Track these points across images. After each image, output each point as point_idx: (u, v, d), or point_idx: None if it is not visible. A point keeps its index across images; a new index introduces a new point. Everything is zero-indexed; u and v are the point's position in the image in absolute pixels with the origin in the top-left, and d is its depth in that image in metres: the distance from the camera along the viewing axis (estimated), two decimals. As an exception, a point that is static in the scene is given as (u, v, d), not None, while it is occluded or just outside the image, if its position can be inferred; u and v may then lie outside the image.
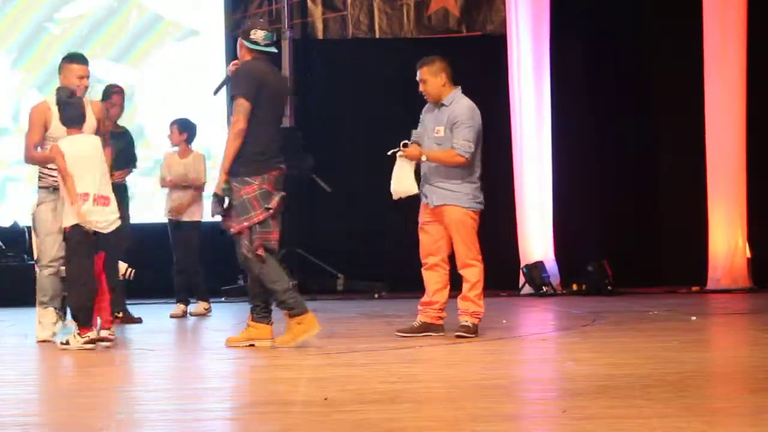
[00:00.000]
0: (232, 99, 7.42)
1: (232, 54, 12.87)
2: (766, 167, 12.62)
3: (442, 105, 7.77)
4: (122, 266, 8.93)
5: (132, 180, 12.84)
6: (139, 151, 12.86)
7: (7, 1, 12.81)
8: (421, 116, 7.91)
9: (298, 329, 7.22)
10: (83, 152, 7.55)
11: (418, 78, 7.80)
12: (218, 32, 12.91)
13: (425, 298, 7.84)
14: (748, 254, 12.48)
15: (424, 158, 7.67)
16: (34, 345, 8.05)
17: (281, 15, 13.08)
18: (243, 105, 7.24)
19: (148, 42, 12.93)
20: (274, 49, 7.54)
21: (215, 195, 7.29)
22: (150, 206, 12.82)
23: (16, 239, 12.29)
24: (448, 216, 7.72)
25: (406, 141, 7.74)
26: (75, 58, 8.20)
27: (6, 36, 12.79)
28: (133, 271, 9.02)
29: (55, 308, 8.18)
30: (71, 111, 7.71)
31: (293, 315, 7.24)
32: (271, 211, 7.18)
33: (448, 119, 7.71)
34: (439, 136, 7.71)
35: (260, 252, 7.18)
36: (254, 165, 7.20)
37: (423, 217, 7.86)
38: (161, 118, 12.90)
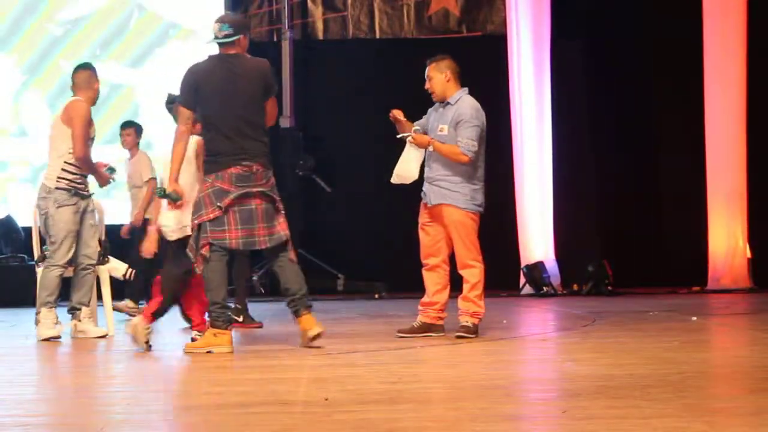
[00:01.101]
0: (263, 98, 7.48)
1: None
2: (766, 167, 12.63)
3: (448, 104, 7.77)
4: (122, 267, 8.94)
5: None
6: (139, 151, 12.92)
7: (8, 1, 12.81)
8: (429, 111, 7.92)
9: (212, 340, 7.17)
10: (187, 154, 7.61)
11: (425, 75, 7.82)
12: (218, 32, 12.91)
13: (425, 299, 7.84)
14: (749, 254, 12.49)
15: (431, 148, 7.67)
16: (34, 345, 8.05)
17: (282, 15, 13.08)
18: (181, 112, 7.36)
19: (148, 42, 12.93)
20: (225, 39, 7.49)
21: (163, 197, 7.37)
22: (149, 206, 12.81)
23: (10, 235, 12.27)
24: (447, 216, 7.72)
25: (418, 127, 7.75)
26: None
27: (7, 36, 12.79)
28: (133, 271, 9.02)
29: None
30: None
31: (214, 326, 7.18)
32: (221, 209, 7.14)
33: (453, 118, 7.72)
34: (443, 134, 7.71)
35: (204, 252, 7.14)
36: (207, 165, 7.25)
37: (423, 217, 7.86)
38: (161, 119, 12.91)
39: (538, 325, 9.42)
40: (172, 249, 7.49)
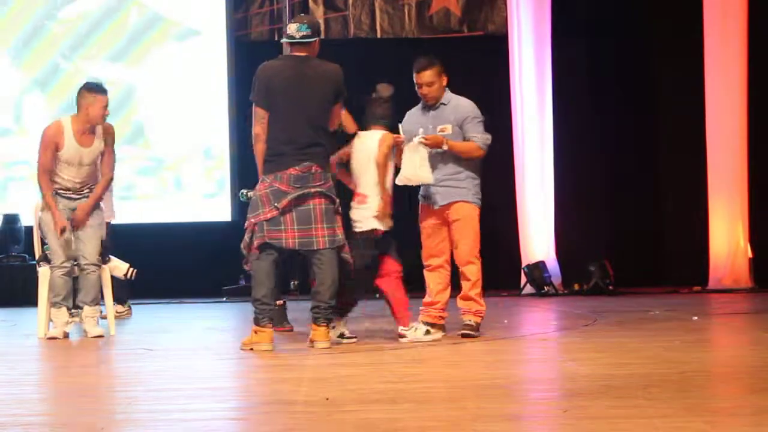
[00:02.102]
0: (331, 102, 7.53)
1: (233, 54, 12.89)
2: (767, 167, 12.63)
3: (441, 104, 7.78)
4: (124, 266, 8.94)
5: (132, 181, 12.88)
6: (140, 150, 12.92)
7: (8, 0, 12.82)
8: (407, 117, 7.89)
9: (253, 337, 7.25)
10: (369, 150, 7.71)
11: (421, 81, 7.79)
12: (219, 32, 12.92)
13: (427, 299, 7.84)
14: (750, 254, 12.48)
15: (445, 147, 7.65)
16: (35, 344, 8.06)
17: (282, 15, 13.07)
18: (255, 111, 7.34)
19: (148, 41, 12.93)
20: (303, 40, 7.49)
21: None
22: (150, 207, 12.84)
23: (15, 233, 12.28)
24: (456, 212, 7.71)
25: (422, 130, 7.74)
26: (100, 89, 8.22)
27: (7, 35, 12.79)
28: (135, 271, 9.03)
29: (68, 307, 8.24)
30: (378, 109, 7.87)
31: (255, 322, 7.26)
32: (278, 209, 7.19)
33: (455, 117, 7.72)
34: (447, 134, 7.71)
35: (254, 250, 7.22)
36: (267, 165, 7.26)
37: (425, 219, 7.85)
38: (161, 118, 12.92)
39: (539, 325, 9.42)
40: (357, 243, 7.62)
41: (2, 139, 12.79)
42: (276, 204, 7.17)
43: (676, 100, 13.08)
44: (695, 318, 9.08)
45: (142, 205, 12.73)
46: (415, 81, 7.83)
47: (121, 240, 10.31)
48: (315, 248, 7.27)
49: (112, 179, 8.47)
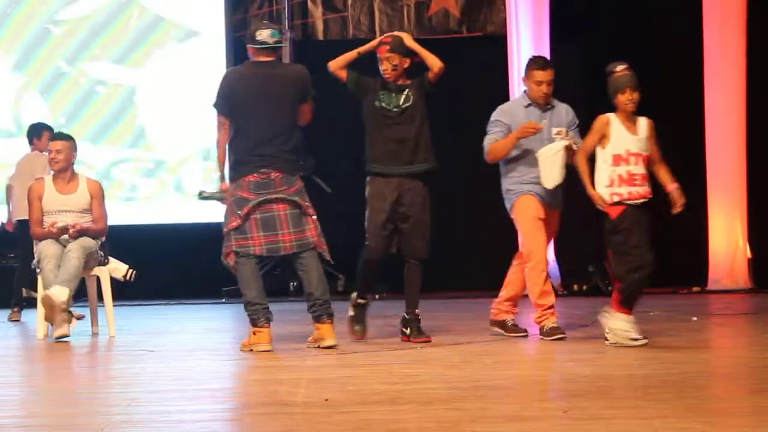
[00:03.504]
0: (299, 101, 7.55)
1: (232, 55, 12.89)
2: (767, 167, 12.63)
3: (552, 107, 7.81)
4: (123, 268, 8.94)
5: (132, 182, 12.89)
6: (140, 152, 12.92)
7: (8, 2, 12.81)
8: (517, 115, 7.73)
9: (252, 338, 7.31)
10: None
11: (546, 79, 7.77)
12: (219, 33, 12.93)
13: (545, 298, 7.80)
14: (749, 255, 12.49)
15: (575, 146, 7.62)
16: (35, 346, 8.06)
17: (282, 16, 13.09)
18: (217, 118, 7.37)
19: (148, 43, 12.93)
20: (276, 45, 7.50)
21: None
22: (149, 208, 12.85)
23: (15, 238, 12.28)
24: (557, 216, 7.98)
25: (561, 129, 7.69)
26: (55, 135, 8.87)
27: (7, 38, 12.79)
28: (134, 272, 9.03)
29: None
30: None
31: (252, 324, 7.33)
32: (241, 217, 7.20)
33: (567, 121, 7.82)
34: (561, 137, 7.71)
35: (229, 260, 7.29)
36: (231, 173, 7.34)
37: (538, 214, 7.81)
38: (161, 120, 12.92)
39: (538, 326, 9.40)
40: None
41: (3, 141, 12.79)
42: (239, 212, 7.20)
43: (674, 100, 13.07)
44: (694, 319, 9.08)
45: (142, 206, 12.73)
46: (535, 79, 7.76)
47: (121, 241, 10.32)
48: (282, 253, 7.36)
49: (104, 230, 8.66)
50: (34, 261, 8.60)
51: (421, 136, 7.56)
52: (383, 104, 7.54)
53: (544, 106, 7.81)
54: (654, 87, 13.23)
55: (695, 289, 12.38)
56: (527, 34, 12.72)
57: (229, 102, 7.30)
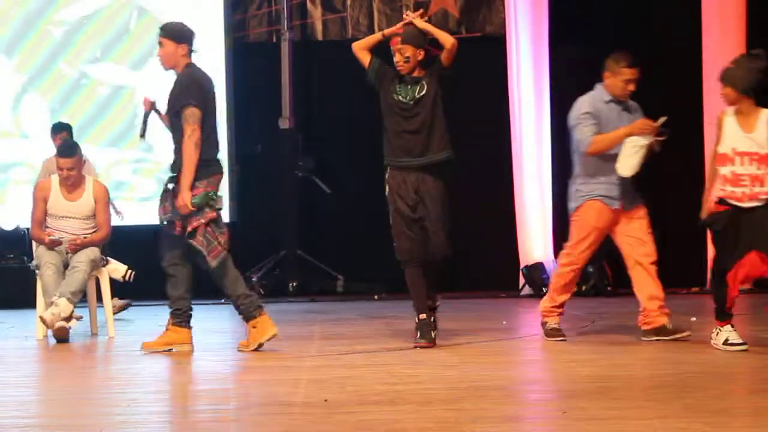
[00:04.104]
0: (175, 111, 7.36)
1: (231, 55, 12.89)
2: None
3: (627, 105, 7.72)
4: (122, 268, 8.93)
5: (132, 181, 12.87)
6: (139, 152, 12.91)
7: (7, 3, 12.81)
8: (600, 110, 7.66)
9: (256, 333, 7.39)
10: None
11: (635, 76, 7.72)
12: (217, 33, 12.91)
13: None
14: (748, 255, 12.47)
15: (657, 147, 7.57)
16: (34, 346, 8.06)
17: (281, 16, 13.08)
18: (196, 114, 7.31)
19: (148, 44, 12.92)
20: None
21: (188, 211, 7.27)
22: (149, 208, 12.82)
23: (17, 243, 12.28)
24: (639, 212, 7.68)
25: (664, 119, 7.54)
26: (59, 152, 8.69)
27: (7, 38, 12.79)
28: (133, 272, 9.02)
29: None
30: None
31: (254, 316, 7.38)
32: (221, 209, 7.30)
33: (639, 118, 7.69)
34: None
35: (221, 256, 7.41)
36: (200, 171, 7.26)
37: (607, 223, 7.68)
38: (160, 120, 12.90)
39: (537, 326, 9.39)
40: None
41: (3, 141, 12.78)
42: (217, 207, 7.31)
43: (673, 101, 13.06)
44: (693, 319, 9.07)
45: (141, 207, 12.71)
46: (623, 76, 7.69)
47: (120, 241, 10.31)
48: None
49: (107, 237, 8.63)
50: (33, 262, 8.60)
51: (435, 126, 7.40)
52: (400, 97, 7.41)
53: (623, 102, 7.67)
54: (653, 87, 13.24)
55: (694, 289, 12.37)
56: (526, 35, 12.71)
57: (201, 100, 7.35)
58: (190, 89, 7.33)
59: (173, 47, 7.43)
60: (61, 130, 10.17)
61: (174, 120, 7.39)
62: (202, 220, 7.24)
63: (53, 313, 8.01)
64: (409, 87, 7.41)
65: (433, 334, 7.36)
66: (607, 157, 7.55)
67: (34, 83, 12.76)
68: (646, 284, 7.64)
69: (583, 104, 7.65)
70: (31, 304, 8.62)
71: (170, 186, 7.36)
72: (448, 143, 7.47)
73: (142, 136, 7.81)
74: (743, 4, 12.46)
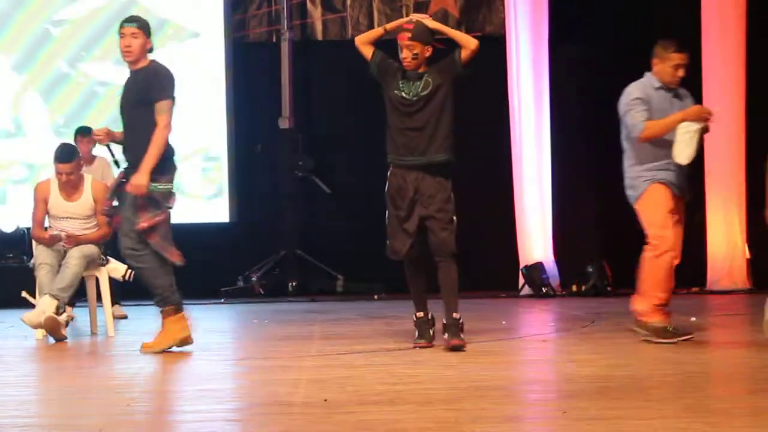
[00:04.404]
0: (146, 102, 7.31)
1: (231, 55, 12.89)
2: (764, 168, 12.61)
3: (678, 91, 7.57)
4: (122, 268, 8.93)
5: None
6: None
7: (6, 2, 12.81)
8: (650, 96, 7.49)
9: (173, 332, 7.36)
10: None
11: (684, 61, 7.51)
12: (217, 33, 12.91)
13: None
14: (748, 255, 12.48)
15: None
16: (33, 346, 8.06)
17: (281, 16, 13.08)
18: (171, 108, 7.32)
19: (147, 43, 12.92)
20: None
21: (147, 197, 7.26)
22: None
23: (17, 242, 12.28)
24: (683, 205, 7.61)
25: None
26: (58, 157, 8.62)
27: (7, 38, 12.78)
28: (133, 272, 9.01)
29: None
30: None
31: (171, 312, 7.34)
32: (171, 209, 7.32)
33: (690, 104, 7.58)
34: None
35: (177, 258, 7.32)
36: (162, 163, 7.28)
37: (670, 206, 7.54)
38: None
39: (537, 326, 9.42)
40: None
41: (2, 142, 12.78)
42: (168, 204, 7.31)
43: (673, 101, 13.07)
44: (693, 319, 9.08)
45: (140, 207, 12.73)
46: (673, 62, 7.48)
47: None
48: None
49: (106, 235, 8.63)
50: (32, 261, 8.61)
51: (439, 126, 7.27)
52: (403, 93, 7.28)
53: (674, 89, 7.53)
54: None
55: (694, 289, 12.36)
56: (526, 35, 12.72)
57: (174, 100, 7.38)
58: (167, 83, 7.35)
59: (144, 40, 7.42)
60: (88, 133, 10.12)
61: (137, 112, 7.33)
62: (157, 219, 7.23)
63: (34, 313, 8.03)
64: (412, 83, 7.30)
65: (431, 332, 7.32)
66: (662, 143, 7.40)
67: (34, 83, 12.76)
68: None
69: (633, 90, 7.50)
70: (30, 303, 8.62)
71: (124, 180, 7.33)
72: (451, 146, 7.35)
73: (117, 164, 7.80)
74: (743, 4, 12.46)
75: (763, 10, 12.61)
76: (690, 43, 12.59)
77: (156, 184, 7.22)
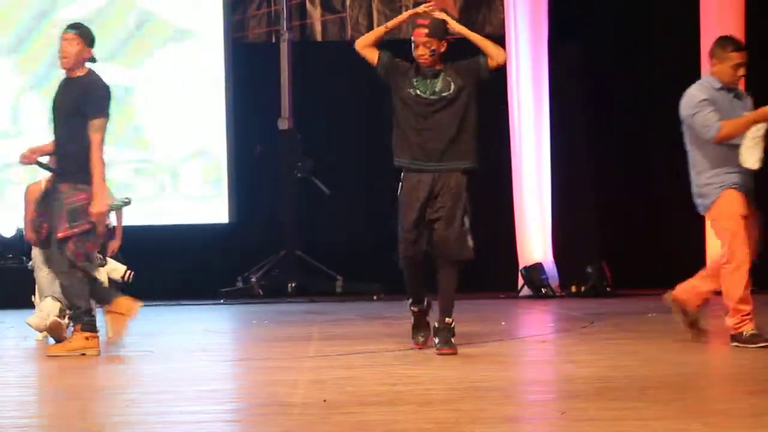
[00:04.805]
0: (82, 113, 7.29)
1: (230, 56, 12.90)
2: (764, 168, 12.60)
3: (736, 90, 7.41)
4: (121, 269, 8.93)
5: (131, 182, 12.87)
6: (137, 152, 12.91)
7: (5, 2, 12.81)
8: (709, 99, 7.35)
9: (86, 343, 7.29)
10: None
11: (744, 60, 7.36)
12: (217, 34, 12.92)
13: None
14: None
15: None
16: (32, 346, 8.06)
17: (280, 17, 13.09)
18: (105, 126, 7.29)
19: (146, 43, 12.93)
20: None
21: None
22: (148, 209, 12.83)
23: (16, 243, 12.30)
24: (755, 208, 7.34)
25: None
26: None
27: (6, 39, 12.79)
28: (132, 273, 9.01)
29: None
30: None
31: (85, 330, 7.27)
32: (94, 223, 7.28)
33: (750, 104, 7.40)
34: None
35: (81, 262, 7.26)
36: (87, 175, 7.23)
37: (744, 209, 7.23)
38: (158, 120, 12.92)
39: (536, 327, 9.42)
40: None
41: (1, 142, 12.78)
42: (90, 218, 7.28)
43: (673, 101, 13.05)
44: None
45: (139, 207, 12.69)
46: (733, 61, 7.33)
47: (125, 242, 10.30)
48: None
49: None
50: (30, 263, 8.61)
51: (463, 130, 6.92)
52: (418, 91, 6.97)
53: (734, 90, 7.38)
54: (652, 86, 13.26)
55: (693, 290, 12.35)
56: (526, 35, 12.72)
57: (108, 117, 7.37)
58: (105, 99, 7.32)
59: (81, 48, 7.40)
60: None
61: (69, 122, 7.30)
62: (76, 230, 7.19)
63: (39, 316, 8.03)
64: (429, 81, 6.99)
65: (424, 334, 7.21)
66: (731, 147, 7.17)
67: (35, 84, 12.76)
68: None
69: (697, 93, 7.31)
70: (30, 304, 8.62)
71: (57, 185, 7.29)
72: (475, 152, 6.98)
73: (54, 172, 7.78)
74: (742, 4, 12.47)
75: (763, 11, 12.61)
76: (689, 43, 12.66)
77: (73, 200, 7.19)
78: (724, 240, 7.22)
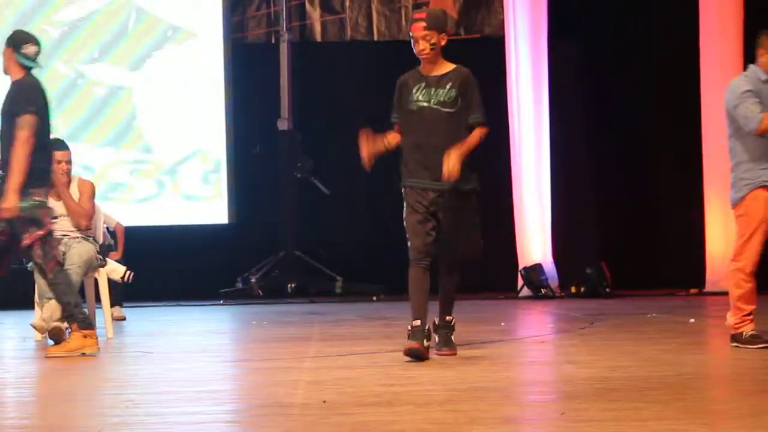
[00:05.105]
0: (11, 115, 7.22)
1: (230, 56, 12.90)
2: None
3: None
4: (121, 269, 8.93)
5: (131, 183, 12.88)
6: (136, 153, 12.92)
7: (5, 3, 12.81)
8: (754, 90, 7.06)
9: (84, 341, 7.28)
10: None
11: None
12: (216, 35, 12.93)
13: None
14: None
15: None
16: (31, 347, 8.05)
17: (280, 17, 13.09)
18: (33, 122, 7.21)
19: (145, 44, 12.93)
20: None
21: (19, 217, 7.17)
22: (147, 209, 12.85)
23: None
24: None
25: None
26: (56, 145, 8.43)
27: (2, 38, 12.78)
28: (132, 273, 9.02)
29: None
30: None
31: (82, 327, 7.26)
32: (56, 218, 7.35)
33: None
34: None
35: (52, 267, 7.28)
36: (40, 179, 7.22)
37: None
38: (158, 121, 12.92)
39: (536, 328, 9.42)
40: None
41: None
42: (52, 218, 7.34)
43: (672, 101, 13.08)
44: (692, 320, 9.07)
45: (138, 208, 12.73)
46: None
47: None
48: None
49: (87, 214, 8.62)
50: (29, 264, 8.59)
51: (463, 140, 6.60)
52: (420, 100, 6.64)
53: (763, 82, 7.13)
54: (651, 86, 13.27)
55: (693, 291, 12.37)
56: (525, 36, 12.72)
57: (41, 113, 7.30)
58: (31, 97, 7.27)
59: (9, 55, 7.38)
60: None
61: (5, 125, 7.31)
62: (39, 233, 7.18)
63: (43, 318, 8.02)
64: (433, 90, 6.64)
65: (425, 343, 6.60)
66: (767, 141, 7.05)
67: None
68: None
69: (741, 83, 7.10)
70: (29, 304, 8.62)
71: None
72: (475, 173, 6.75)
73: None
74: (741, 4, 12.47)
75: (762, 11, 12.61)
76: (688, 43, 12.67)
77: (25, 203, 7.13)
78: (738, 237, 7.20)
